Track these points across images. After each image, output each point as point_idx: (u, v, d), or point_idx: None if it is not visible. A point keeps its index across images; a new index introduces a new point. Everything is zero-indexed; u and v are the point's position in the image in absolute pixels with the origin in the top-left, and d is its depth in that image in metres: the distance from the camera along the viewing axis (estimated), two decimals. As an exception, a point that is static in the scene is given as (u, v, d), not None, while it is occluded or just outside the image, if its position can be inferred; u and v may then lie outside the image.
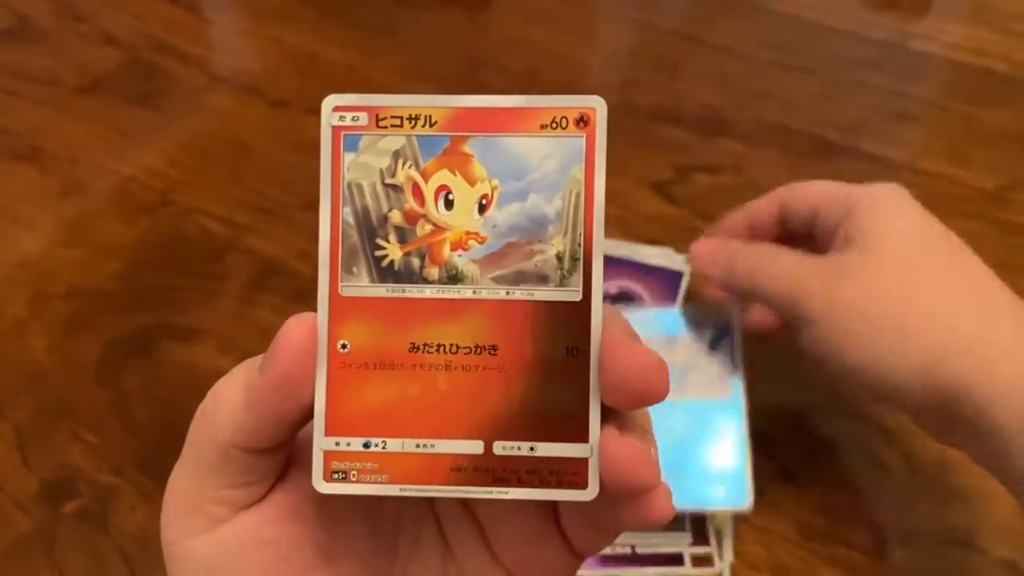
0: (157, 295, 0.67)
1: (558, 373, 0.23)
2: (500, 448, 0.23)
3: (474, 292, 0.24)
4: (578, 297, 0.24)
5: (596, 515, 0.25)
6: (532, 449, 0.23)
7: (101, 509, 0.55)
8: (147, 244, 0.71)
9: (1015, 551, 0.51)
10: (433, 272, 0.24)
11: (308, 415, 0.24)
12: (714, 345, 0.55)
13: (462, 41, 0.88)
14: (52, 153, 0.78)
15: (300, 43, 0.88)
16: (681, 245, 0.62)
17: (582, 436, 0.23)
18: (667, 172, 0.74)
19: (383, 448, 0.23)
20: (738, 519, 0.52)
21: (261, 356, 0.24)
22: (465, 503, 0.27)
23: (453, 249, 0.24)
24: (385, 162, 0.24)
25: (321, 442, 0.24)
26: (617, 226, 0.68)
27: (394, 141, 0.24)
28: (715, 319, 0.56)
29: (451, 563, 0.27)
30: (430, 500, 0.27)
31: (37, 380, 0.62)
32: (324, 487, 0.24)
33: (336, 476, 0.24)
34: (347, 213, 0.24)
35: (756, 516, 0.53)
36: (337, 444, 0.24)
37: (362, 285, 0.24)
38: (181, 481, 0.26)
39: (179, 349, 0.63)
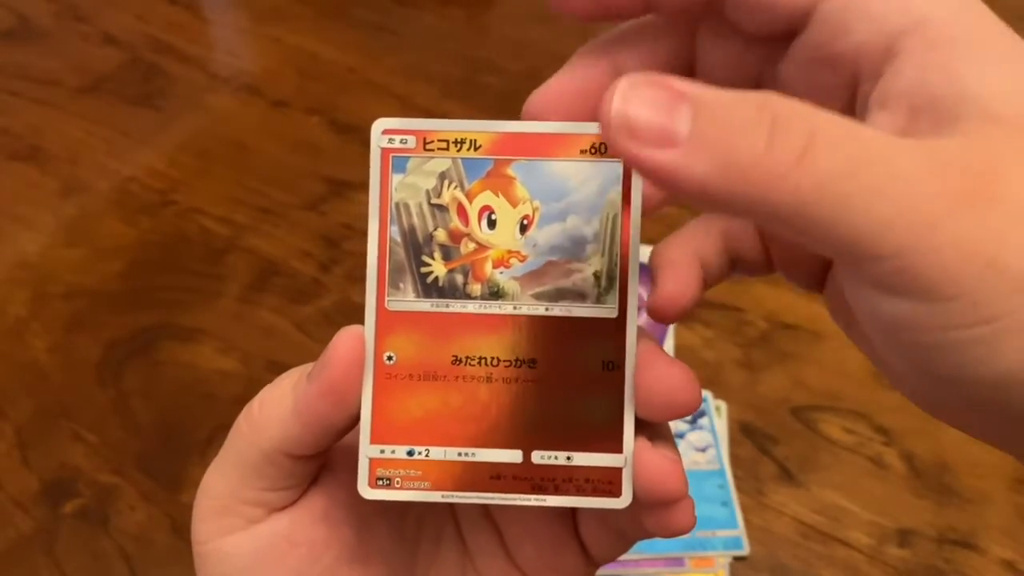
0: (157, 295, 0.67)
1: (594, 386, 0.24)
2: (538, 457, 0.24)
3: (515, 308, 0.25)
4: (614, 314, 0.25)
5: (617, 523, 0.26)
6: (569, 459, 0.24)
7: (101, 509, 0.55)
8: (147, 244, 0.71)
9: (1015, 551, 0.51)
10: (476, 288, 0.25)
11: (353, 424, 0.25)
12: (693, 421, 0.58)
13: (462, 41, 0.88)
14: (52, 153, 0.78)
15: (300, 43, 0.88)
16: (681, 245, 0.63)
17: (616, 447, 0.24)
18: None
19: (426, 456, 0.24)
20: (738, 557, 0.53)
21: (308, 364, 0.25)
22: (485, 507, 0.28)
23: (495, 267, 0.25)
24: (432, 183, 0.25)
25: (367, 450, 0.24)
26: (617, 226, 0.68)
27: (440, 163, 0.25)
28: None
29: (469, 565, 0.28)
30: (451, 504, 0.28)
31: (37, 380, 0.62)
32: (369, 493, 0.25)
33: (380, 483, 0.25)
34: (394, 231, 0.25)
35: (756, 516, 0.54)
36: (382, 452, 0.24)
37: (408, 300, 0.25)
38: (217, 482, 0.26)
39: (179, 349, 0.63)
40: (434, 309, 0.25)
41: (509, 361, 0.25)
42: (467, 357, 0.25)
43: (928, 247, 0.17)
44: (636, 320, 0.25)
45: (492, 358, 0.25)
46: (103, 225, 0.72)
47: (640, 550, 0.51)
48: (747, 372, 0.61)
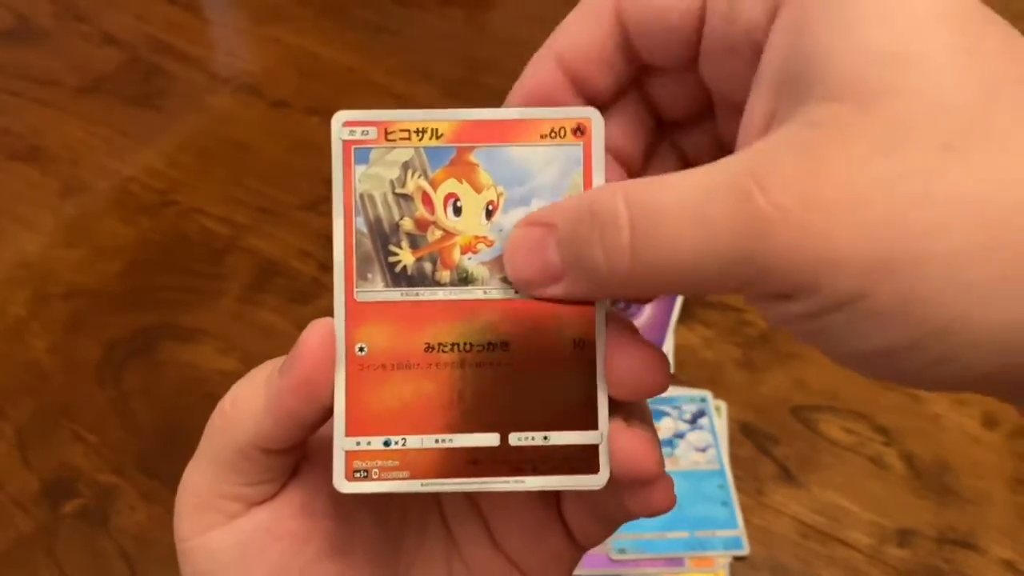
0: (157, 295, 0.67)
1: (567, 365, 0.25)
2: (515, 439, 0.25)
3: (484, 292, 0.25)
4: None
5: (599, 505, 0.26)
6: (546, 439, 0.25)
7: (101, 509, 0.55)
8: (147, 244, 0.71)
9: (1015, 551, 0.51)
10: (445, 275, 0.25)
11: (326, 417, 0.25)
12: (693, 421, 0.58)
13: (462, 42, 0.88)
14: (52, 153, 0.78)
15: (300, 43, 0.88)
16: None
17: (592, 423, 0.24)
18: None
19: (403, 445, 0.24)
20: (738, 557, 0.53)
21: (280, 358, 0.25)
22: (469, 495, 0.28)
23: (463, 253, 0.25)
24: (395, 173, 0.25)
25: (342, 443, 0.24)
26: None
27: (403, 153, 0.25)
28: (692, 401, 0.59)
29: (455, 554, 0.28)
30: (435, 494, 0.28)
31: (37, 380, 0.62)
32: (346, 487, 0.24)
33: (358, 475, 0.24)
34: (360, 222, 0.25)
35: (756, 516, 0.54)
36: (358, 444, 0.24)
37: (377, 290, 0.25)
38: (196, 478, 0.26)
39: (179, 349, 0.63)
40: (404, 298, 0.25)
41: (481, 346, 0.25)
42: (439, 344, 0.25)
43: (764, 262, 0.18)
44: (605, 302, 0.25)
45: (464, 343, 0.25)
46: (103, 225, 0.72)
47: (640, 550, 0.51)
48: (747, 372, 0.61)
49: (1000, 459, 0.56)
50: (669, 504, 0.24)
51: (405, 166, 0.25)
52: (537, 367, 0.25)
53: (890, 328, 0.18)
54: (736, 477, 0.55)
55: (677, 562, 0.51)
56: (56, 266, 0.69)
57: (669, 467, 0.52)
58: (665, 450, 0.55)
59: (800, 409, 0.59)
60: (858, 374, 0.21)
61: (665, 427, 0.57)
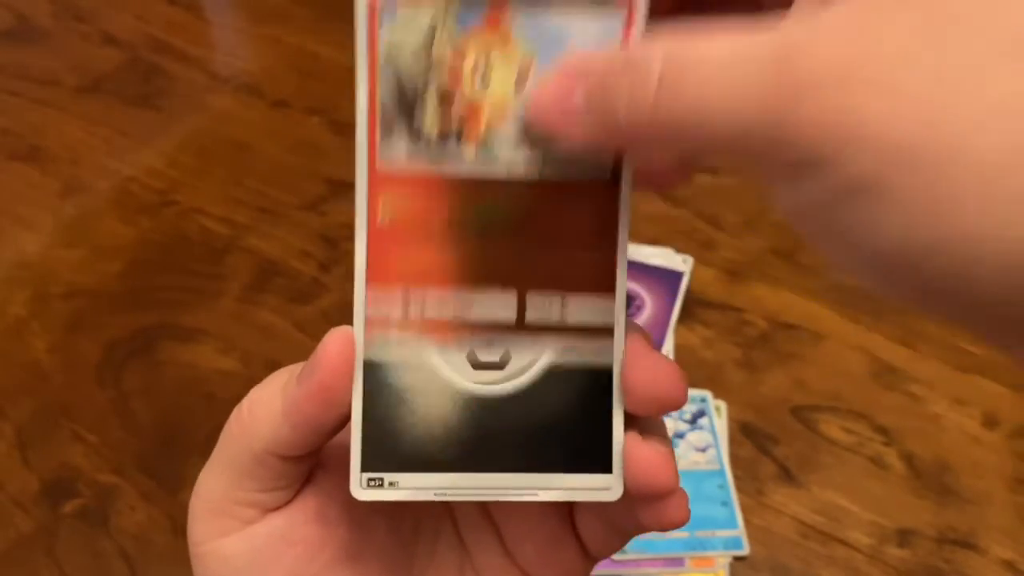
0: (157, 295, 0.67)
1: (585, 243, 0.24)
2: (533, 307, 0.24)
3: (508, 169, 0.24)
4: (607, 176, 0.24)
5: (612, 517, 0.26)
6: (563, 304, 0.24)
7: (101, 509, 0.55)
8: (147, 244, 0.71)
9: (1015, 551, 0.51)
10: (469, 147, 0.23)
11: (343, 424, 0.24)
12: (693, 421, 0.58)
13: (462, 41, 0.88)
14: (52, 153, 0.78)
15: (300, 43, 0.88)
16: (681, 245, 0.63)
17: (610, 287, 0.24)
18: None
19: (421, 310, 0.24)
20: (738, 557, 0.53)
21: (297, 365, 0.25)
22: (482, 504, 0.28)
23: (489, 124, 0.23)
24: (421, 36, 0.23)
25: (363, 308, 0.24)
26: (617, 226, 0.68)
27: (430, 15, 0.23)
28: (692, 401, 0.59)
29: (467, 563, 0.28)
30: (448, 502, 0.28)
31: (37, 380, 0.62)
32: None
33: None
34: (383, 90, 0.23)
35: (756, 516, 0.54)
36: (376, 307, 0.24)
37: (399, 160, 0.24)
38: (211, 483, 0.26)
39: (179, 349, 0.63)
40: (426, 169, 0.24)
41: (501, 221, 0.24)
42: (459, 217, 0.24)
43: (790, 129, 0.18)
44: (630, 186, 0.24)
45: (484, 219, 0.24)
46: (103, 225, 0.72)
47: (640, 550, 0.51)
48: (747, 372, 0.61)
49: (1000, 459, 0.56)
50: (683, 519, 0.24)
51: (432, 29, 0.23)
52: (555, 244, 0.24)
53: (910, 224, 0.17)
54: (736, 477, 0.55)
55: (677, 562, 0.51)
56: (56, 266, 0.69)
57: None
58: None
59: (800, 409, 0.59)
60: (860, 282, 0.20)
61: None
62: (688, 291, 0.60)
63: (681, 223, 0.69)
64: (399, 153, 0.23)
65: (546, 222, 0.24)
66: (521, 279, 0.24)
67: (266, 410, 0.24)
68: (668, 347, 0.61)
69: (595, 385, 0.24)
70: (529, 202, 0.24)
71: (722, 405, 0.58)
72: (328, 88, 0.83)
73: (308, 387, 0.24)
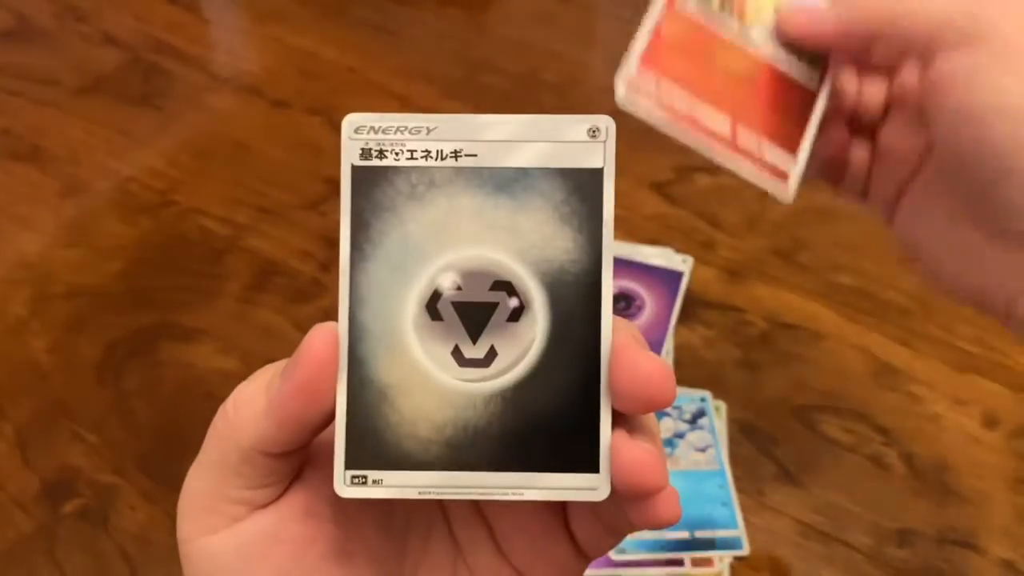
0: (157, 295, 0.67)
1: (785, 114, 0.38)
2: (742, 132, 0.40)
3: (756, 50, 0.36)
4: (815, 85, 0.39)
5: (605, 515, 0.25)
6: (759, 145, 0.39)
7: (101, 509, 0.55)
8: (147, 244, 0.71)
9: (1015, 551, 0.51)
10: (734, 23, 0.35)
11: (328, 421, 0.24)
12: (693, 421, 0.58)
13: (462, 42, 0.88)
14: (52, 153, 0.78)
15: (300, 43, 0.88)
16: (681, 245, 0.62)
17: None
18: (667, 172, 0.74)
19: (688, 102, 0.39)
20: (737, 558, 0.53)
21: (282, 361, 0.25)
22: (475, 503, 0.28)
23: (756, 11, 0.35)
24: None
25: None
26: (617, 226, 0.68)
27: None
28: (692, 401, 0.59)
29: (460, 561, 0.28)
30: (440, 500, 0.28)
31: (37, 380, 0.62)
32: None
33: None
34: None
35: (756, 516, 0.54)
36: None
37: (691, 9, 0.36)
38: (198, 481, 0.26)
39: (179, 349, 0.63)
40: (706, 24, 0.35)
41: (738, 81, 0.37)
42: (720, 69, 0.36)
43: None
44: (826, 100, 0.39)
45: (739, 74, 0.37)
46: (103, 225, 0.72)
47: (640, 550, 0.51)
48: (747, 372, 0.61)
49: (1000, 459, 0.56)
50: (673, 517, 0.23)
51: None
52: (761, 115, 0.37)
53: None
54: (736, 477, 0.55)
55: (677, 562, 0.51)
56: (56, 266, 0.69)
57: (669, 467, 0.53)
58: (665, 450, 0.55)
59: (800, 409, 0.59)
60: (954, 147, 0.33)
61: (665, 427, 0.57)
62: (688, 291, 0.60)
63: (681, 223, 0.69)
64: (692, 5, 0.37)
65: (764, 96, 0.36)
66: (733, 113, 0.37)
67: (251, 407, 0.24)
68: (668, 347, 0.61)
69: (582, 383, 0.24)
70: (758, 74, 0.36)
71: (722, 405, 0.58)
72: (328, 88, 0.83)
73: (292, 383, 0.24)
